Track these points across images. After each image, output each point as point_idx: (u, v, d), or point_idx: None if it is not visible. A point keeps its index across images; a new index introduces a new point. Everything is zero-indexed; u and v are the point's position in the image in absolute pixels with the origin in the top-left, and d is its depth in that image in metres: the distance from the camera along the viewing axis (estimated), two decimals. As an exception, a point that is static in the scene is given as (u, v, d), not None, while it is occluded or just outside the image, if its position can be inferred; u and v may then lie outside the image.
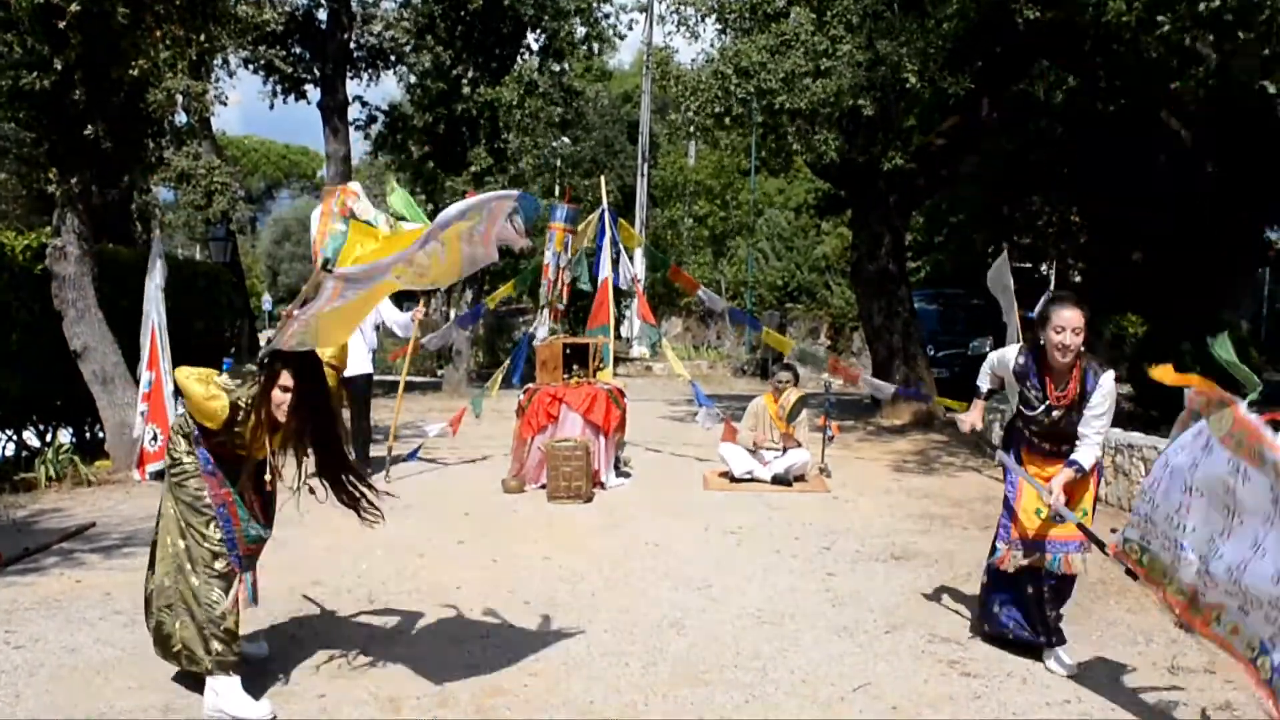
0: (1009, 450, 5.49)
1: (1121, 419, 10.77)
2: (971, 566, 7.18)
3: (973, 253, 22.87)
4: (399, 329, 10.29)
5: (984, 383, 5.66)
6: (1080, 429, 5.15)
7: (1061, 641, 5.28)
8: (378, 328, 10.39)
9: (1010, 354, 5.38)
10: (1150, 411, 10.66)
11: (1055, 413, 5.16)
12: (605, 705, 4.67)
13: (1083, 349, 5.07)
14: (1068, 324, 4.99)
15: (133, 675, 4.90)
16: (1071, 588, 5.44)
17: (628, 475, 10.71)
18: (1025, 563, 5.30)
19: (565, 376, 10.46)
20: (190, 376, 4.43)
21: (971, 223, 23.66)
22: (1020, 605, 5.41)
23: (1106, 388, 5.09)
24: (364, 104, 22.71)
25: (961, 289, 21.53)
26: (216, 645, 4.50)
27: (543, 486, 9.69)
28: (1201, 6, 9.45)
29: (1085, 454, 5.12)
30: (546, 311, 11.65)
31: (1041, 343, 5.17)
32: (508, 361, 12.94)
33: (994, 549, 5.49)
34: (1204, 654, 5.39)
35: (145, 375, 10.22)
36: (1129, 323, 14.95)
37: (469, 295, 21.36)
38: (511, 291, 12.51)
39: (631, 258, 15.46)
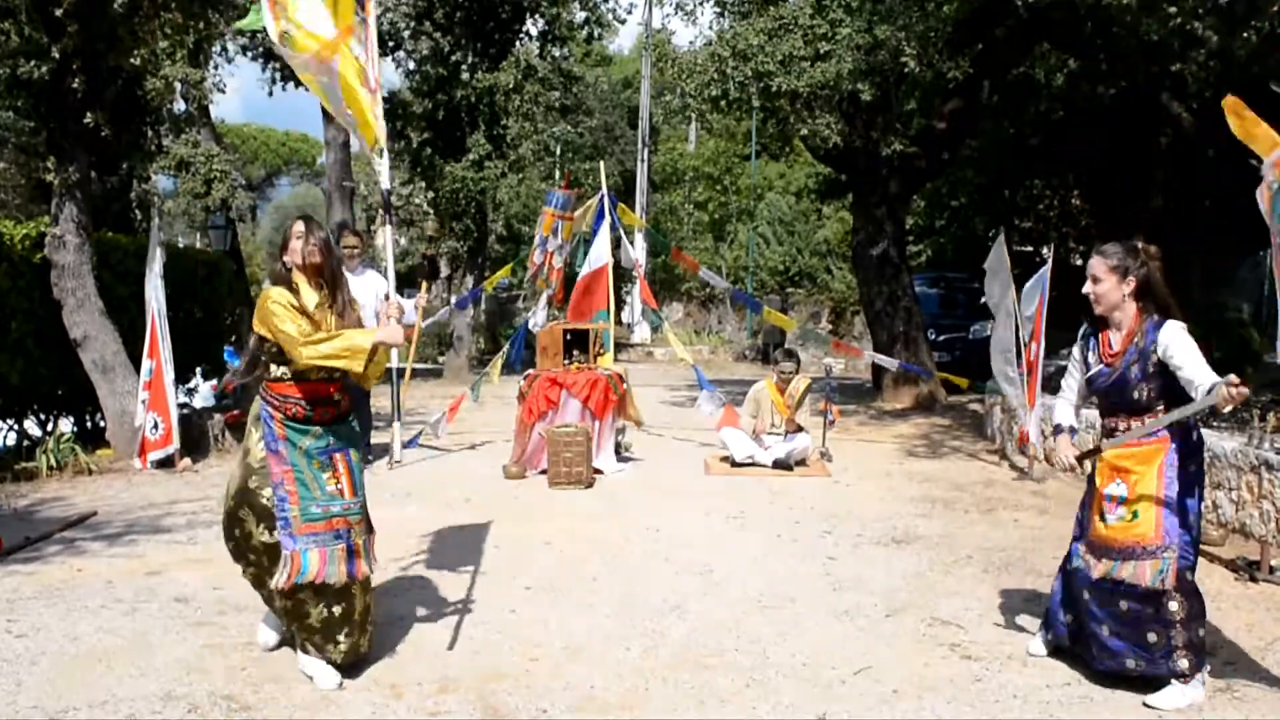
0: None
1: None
2: (972, 550, 7.19)
3: (974, 236, 22.84)
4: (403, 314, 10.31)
5: (1066, 412, 5.10)
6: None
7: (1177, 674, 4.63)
8: (378, 315, 10.37)
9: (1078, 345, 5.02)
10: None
11: (1106, 373, 4.78)
12: (606, 690, 4.68)
13: (1141, 300, 4.75)
14: (1089, 272, 4.81)
15: (134, 663, 4.90)
16: (1159, 609, 4.62)
17: (629, 460, 10.71)
18: (1098, 575, 4.74)
19: (566, 362, 10.46)
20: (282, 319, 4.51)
21: (972, 206, 23.64)
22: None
23: (1169, 336, 4.59)
24: (363, 90, 22.62)
25: (963, 273, 21.52)
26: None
27: (543, 472, 9.70)
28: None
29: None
30: (540, 297, 11.69)
31: None
32: (507, 346, 12.97)
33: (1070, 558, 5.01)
34: (1206, 637, 5.39)
35: (146, 364, 10.21)
36: (1131, 305, 14.92)
37: (470, 281, 21.37)
38: (509, 274, 12.50)
39: (632, 241, 15.44)
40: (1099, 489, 4.79)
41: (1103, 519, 4.74)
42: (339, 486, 4.65)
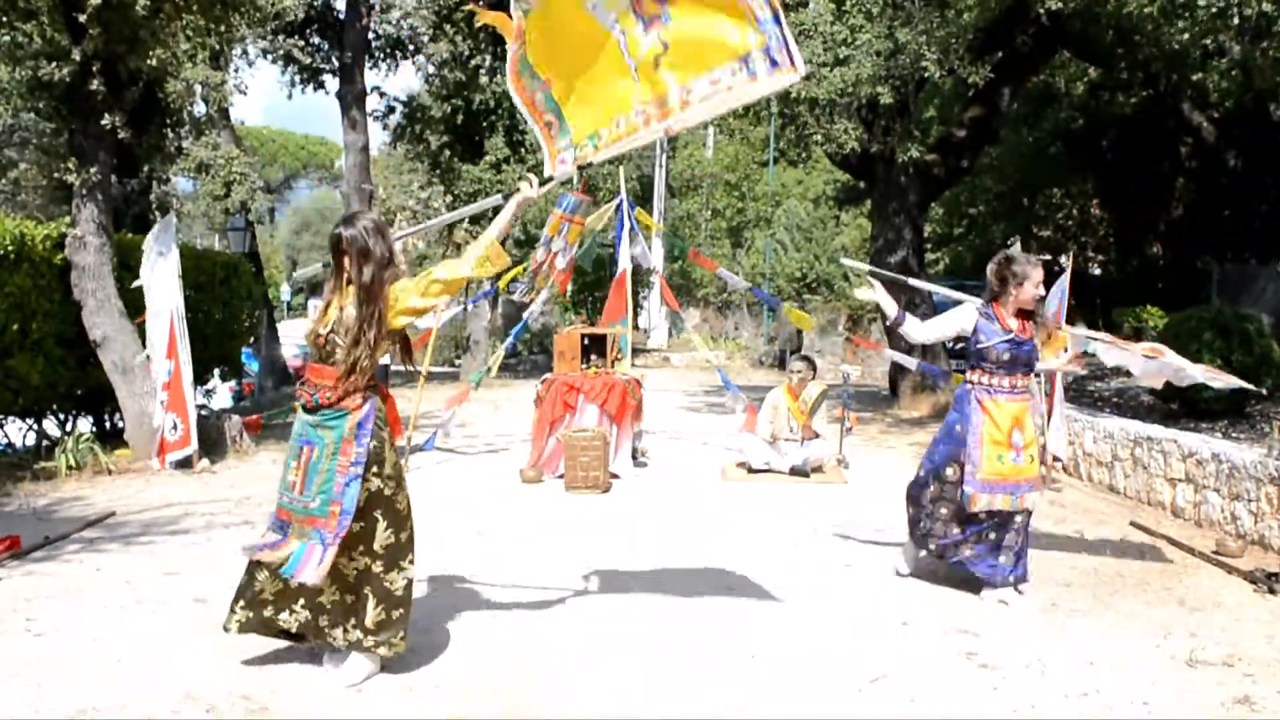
0: (965, 412, 6.27)
1: (1140, 412, 10.73)
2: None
3: (992, 245, 22.82)
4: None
5: (920, 327, 6.67)
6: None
7: (1023, 579, 6.31)
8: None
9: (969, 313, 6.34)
10: (1169, 404, 10.60)
11: (1017, 343, 6.11)
12: (624, 694, 4.68)
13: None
14: (1040, 277, 6.16)
15: (153, 663, 4.91)
16: (1025, 523, 6.28)
17: (645, 465, 10.71)
18: (998, 506, 6.12)
19: (583, 367, 10.47)
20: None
21: (991, 214, 23.61)
22: (981, 543, 6.25)
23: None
24: (382, 94, 22.72)
25: (981, 281, 21.44)
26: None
27: (560, 476, 9.70)
28: (1219, 14, 9.43)
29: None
30: (540, 293, 11.82)
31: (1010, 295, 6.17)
32: (509, 339, 13.04)
33: (962, 493, 6.20)
34: (1223, 647, 5.37)
35: (164, 364, 10.25)
36: (1149, 315, 14.90)
37: (485, 285, 21.39)
38: (521, 274, 12.53)
39: (650, 245, 15.49)
40: (1006, 434, 6.11)
41: (1001, 460, 6.09)
42: (294, 479, 4.70)
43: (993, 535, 6.20)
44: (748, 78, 4.37)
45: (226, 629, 4.84)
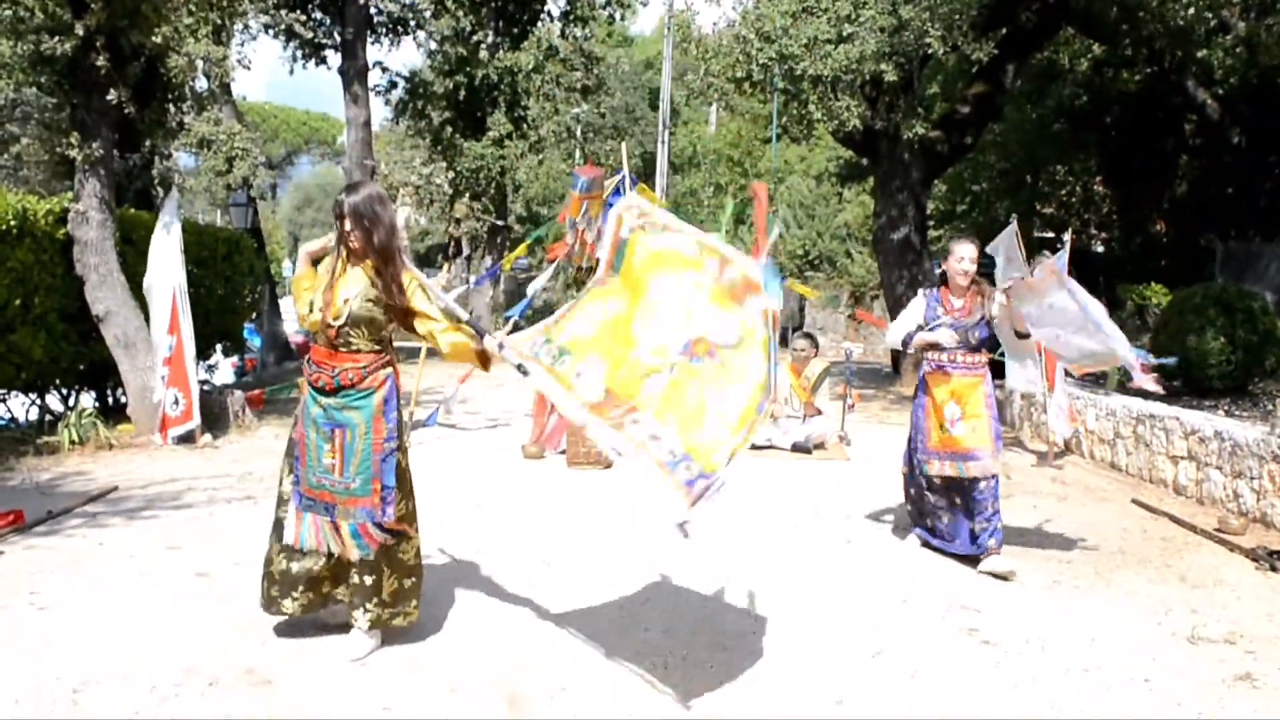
0: (919, 389, 6.73)
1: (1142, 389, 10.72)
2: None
3: (996, 222, 22.76)
4: None
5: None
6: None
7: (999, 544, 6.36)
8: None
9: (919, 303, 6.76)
10: (1172, 381, 10.59)
11: (960, 323, 6.49)
12: (625, 669, 4.69)
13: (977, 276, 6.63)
14: (967, 253, 6.54)
15: (155, 637, 4.93)
16: (990, 493, 6.39)
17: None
18: (947, 473, 6.48)
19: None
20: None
21: (994, 191, 23.52)
22: (950, 513, 6.60)
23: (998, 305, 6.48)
24: (384, 70, 22.64)
25: (983, 259, 21.34)
26: (265, 585, 4.88)
27: (562, 452, 9.71)
28: None
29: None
30: (551, 267, 11.76)
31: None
32: (514, 311, 13.06)
33: (918, 466, 6.70)
34: (1224, 624, 5.38)
35: (166, 339, 10.25)
36: (1152, 293, 14.88)
37: (488, 261, 21.39)
38: (525, 253, 12.46)
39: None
40: (940, 406, 6.49)
41: (943, 429, 6.46)
42: (331, 461, 4.70)
43: (965, 506, 6.51)
44: (669, 468, 4.37)
45: (283, 613, 4.86)
